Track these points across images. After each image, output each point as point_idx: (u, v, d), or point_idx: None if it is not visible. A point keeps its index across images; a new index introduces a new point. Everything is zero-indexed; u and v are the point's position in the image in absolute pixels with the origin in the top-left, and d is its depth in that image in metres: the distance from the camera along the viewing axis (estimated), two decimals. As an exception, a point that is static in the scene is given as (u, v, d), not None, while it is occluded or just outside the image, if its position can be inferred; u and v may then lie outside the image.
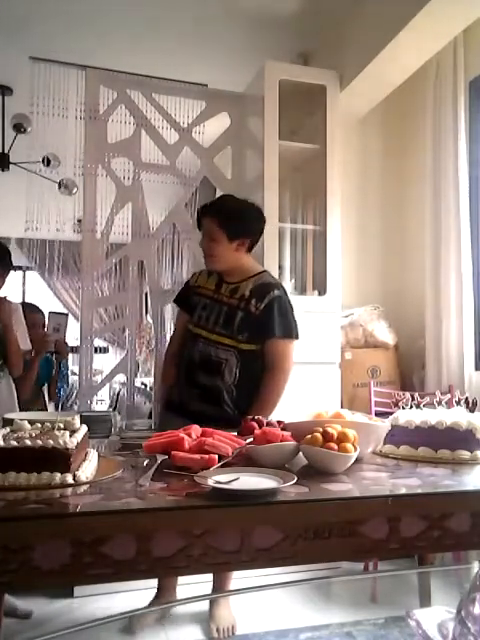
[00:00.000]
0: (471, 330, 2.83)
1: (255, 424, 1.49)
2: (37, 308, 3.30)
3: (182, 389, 2.19)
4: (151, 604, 2.30)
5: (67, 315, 3.06)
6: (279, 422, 1.48)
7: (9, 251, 2.68)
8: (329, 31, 3.19)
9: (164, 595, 2.31)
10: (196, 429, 1.41)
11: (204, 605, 2.34)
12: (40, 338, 3.07)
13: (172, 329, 2.55)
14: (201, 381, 2.12)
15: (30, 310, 3.14)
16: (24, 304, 3.23)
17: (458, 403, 1.53)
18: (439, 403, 1.55)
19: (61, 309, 7.01)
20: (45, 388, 3.27)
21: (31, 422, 1.24)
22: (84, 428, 1.27)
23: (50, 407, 3.20)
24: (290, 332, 2.13)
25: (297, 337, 2.16)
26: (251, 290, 2.11)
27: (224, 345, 2.09)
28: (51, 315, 3.10)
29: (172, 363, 2.30)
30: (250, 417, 1.55)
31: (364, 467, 1.32)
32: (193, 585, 2.32)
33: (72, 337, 3.37)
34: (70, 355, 3.65)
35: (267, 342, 2.10)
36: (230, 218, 2.13)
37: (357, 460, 1.27)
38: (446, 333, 2.88)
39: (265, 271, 2.25)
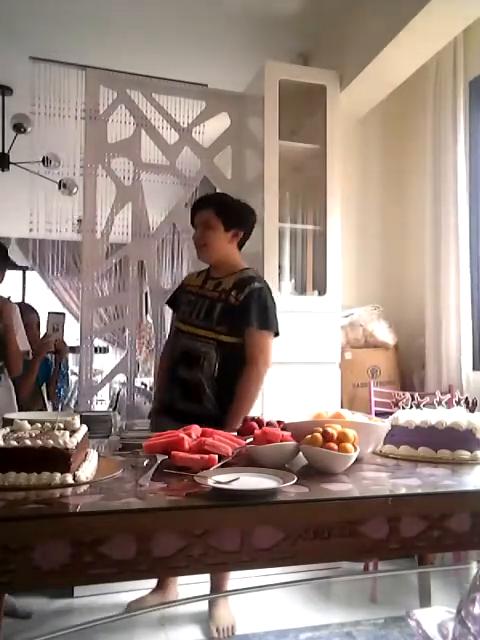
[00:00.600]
0: (469, 330, 2.83)
1: (255, 424, 1.49)
2: (32, 308, 3.30)
3: (168, 388, 2.21)
4: (151, 594, 2.33)
5: (64, 315, 3.06)
6: (279, 422, 1.48)
7: (5, 248, 2.68)
8: (329, 31, 3.19)
9: (164, 586, 2.34)
10: (196, 429, 1.41)
11: (204, 605, 2.34)
12: (36, 339, 3.07)
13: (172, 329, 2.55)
14: (182, 375, 2.12)
15: (25, 311, 3.15)
16: (19, 305, 3.23)
17: (458, 403, 1.53)
18: (439, 403, 1.55)
19: (59, 309, 7.02)
20: (44, 388, 3.27)
21: (31, 422, 1.24)
22: (84, 428, 1.27)
23: (49, 407, 3.20)
24: (268, 324, 2.11)
25: (276, 332, 2.15)
26: (233, 283, 2.13)
27: (204, 338, 2.09)
28: (50, 315, 3.10)
29: (163, 364, 2.34)
30: (250, 417, 1.55)
31: (364, 467, 1.32)
32: (193, 585, 2.33)
33: (72, 337, 3.37)
34: (70, 355, 3.65)
35: (245, 332, 2.08)
36: (227, 208, 2.19)
37: (357, 460, 1.27)
38: (446, 333, 2.88)
39: (250, 268, 2.25)
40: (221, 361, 2.07)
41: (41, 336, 3.16)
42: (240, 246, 2.26)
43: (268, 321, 2.11)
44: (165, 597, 2.33)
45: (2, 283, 2.66)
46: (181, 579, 2.36)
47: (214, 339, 2.08)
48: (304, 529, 1.04)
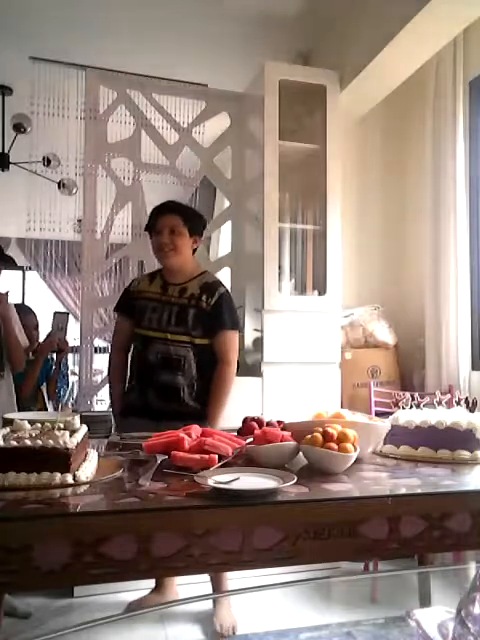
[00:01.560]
0: (468, 330, 2.83)
1: (255, 424, 1.49)
2: (29, 310, 3.30)
3: (142, 391, 2.22)
4: (151, 594, 2.34)
5: (68, 314, 3.07)
6: (279, 422, 1.48)
7: (1, 246, 2.69)
8: (329, 31, 3.19)
9: (163, 586, 2.34)
10: (196, 429, 1.41)
11: (204, 604, 2.34)
12: (34, 341, 3.08)
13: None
14: (161, 379, 2.17)
15: (23, 312, 3.15)
16: (17, 306, 3.23)
17: (458, 403, 1.53)
18: (439, 403, 1.55)
19: (60, 309, 7.02)
20: (43, 387, 3.27)
21: (31, 422, 1.24)
22: (84, 428, 1.26)
23: (50, 407, 3.20)
24: (237, 325, 2.31)
25: (240, 329, 2.36)
26: (200, 287, 2.24)
27: (180, 342, 2.18)
28: (55, 314, 3.11)
29: (121, 365, 2.34)
30: (250, 417, 1.55)
31: (364, 467, 1.32)
32: (194, 585, 2.33)
33: (72, 337, 3.37)
34: (70, 355, 3.65)
35: (219, 334, 2.22)
36: (191, 216, 2.29)
37: (357, 460, 1.27)
38: (446, 333, 2.88)
39: (207, 271, 2.37)
40: (197, 362, 2.19)
41: (41, 336, 3.16)
42: (195, 250, 2.34)
43: (236, 322, 2.31)
44: (165, 597, 2.34)
45: None
46: (181, 579, 2.36)
47: (190, 342, 2.19)
48: (304, 529, 1.03)
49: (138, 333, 2.25)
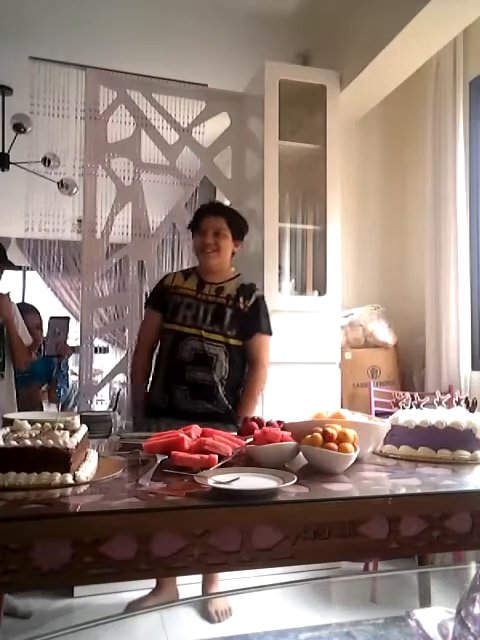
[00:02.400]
0: (468, 330, 2.83)
1: (255, 424, 1.49)
2: (33, 308, 3.31)
3: (167, 389, 2.20)
4: (151, 594, 2.34)
5: (68, 319, 3.05)
6: (279, 422, 1.48)
7: (3, 246, 2.69)
8: (329, 31, 3.19)
9: (163, 586, 2.35)
10: (196, 429, 1.41)
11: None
12: (37, 339, 3.08)
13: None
14: (193, 377, 2.16)
15: (26, 310, 3.15)
16: (20, 305, 3.24)
17: (458, 403, 1.53)
18: (439, 403, 1.55)
19: (60, 309, 7.02)
20: (45, 389, 3.27)
21: (31, 422, 1.24)
22: (84, 428, 1.26)
23: (45, 408, 3.20)
24: (270, 329, 2.32)
25: (272, 334, 2.35)
26: (237, 289, 2.26)
27: (215, 341, 2.19)
28: (51, 320, 3.12)
29: (147, 363, 2.33)
30: (250, 417, 1.55)
31: (364, 467, 1.32)
32: (194, 585, 2.33)
33: (72, 337, 3.37)
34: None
35: (254, 337, 2.25)
36: (236, 219, 2.31)
37: (357, 460, 1.27)
38: (446, 333, 2.88)
39: (241, 274, 2.39)
40: (229, 362, 2.20)
41: (42, 337, 3.17)
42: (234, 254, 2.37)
43: (270, 326, 2.31)
44: (165, 597, 2.34)
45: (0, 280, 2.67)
46: (181, 579, 2.36)
47: (224, 342, 2.20)
48: (304, 529, 1.03)
49: (169, 328, 2.24)
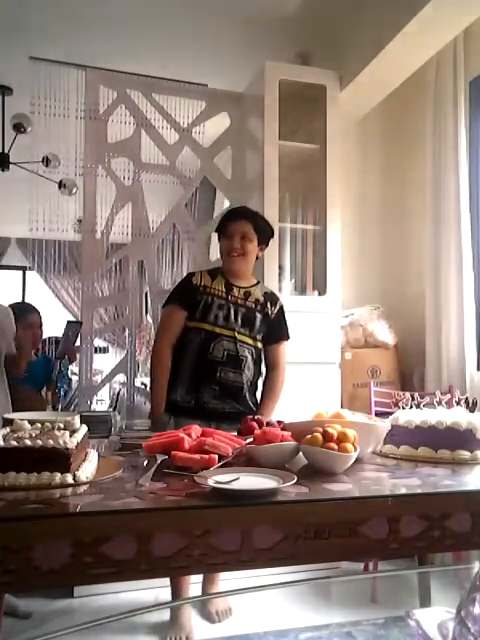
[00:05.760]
0: (472, 330, 2.83)
1: (255, 424, 1.49)
2: (33, 308, 3.31)
3: (195, 388, 2.18)
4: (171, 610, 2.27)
5: (80, 324, 3.01)
6: (279, 422, 1.48)
7: None
8: (329, 31, 3.19)
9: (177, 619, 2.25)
10: (196, 429, 1.41)
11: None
12: (37, 339, 3.08)
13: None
14: (224, 378, 2.20)
15: (27, 311, 3.15)
16: (21, 305, 3.24)
17: (458, 403, 1.53)
18: (439, 403, 1.55)
19: (59, 309, 7.03)
20: (45, 390, 3.27)
21: (31, 422, 1.24)
22: (84, 428, 1.26)
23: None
24: (290, 336, 2.40)
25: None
26: (263, 295, 2.33)
27: (246, 343, 2.25)
28: (68, 324, 3.10)
29: (169, 363, 2.23)
30: (250, 417, 1.56)
31: (364, 467, 1.32)
32: (194, 585, 2.33)
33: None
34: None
35: (279, 343, 2.36)
36: (262, 224, 2.33)
37: (357, 460, 1.27)
38: (446, 333, 2.89)
39: (260, 281, 2.45)
40: (255, 365, 2.29)
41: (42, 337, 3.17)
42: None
43: (289, 333, 2.40)
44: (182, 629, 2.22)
45: None
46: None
47: (253, 345, 2.27)
48: (304, 529, 1.03)
49: (197, 327, 2.21)
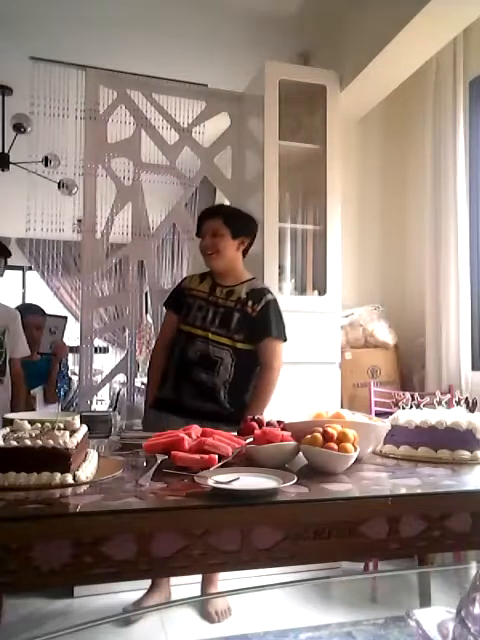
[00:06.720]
0: (468, 330, 2.83)
1: (255, 424, 1.49)
2: (36, 309, 3.31)
3: (176, 386, 2.24)
4: (145, 596, 2.35)
5: (65, 318, 3.06)
6: (279, 422, 1.48)
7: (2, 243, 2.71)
8: (329, 31, 3.19)
9: (158, 588, 2.35)
10: (196, 429, 1.41)
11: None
12: (37, 340, 3.09)
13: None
14: (197, 378, 2.20)
15: (32, 312, 3.16)
16: (27, 306, 3.25)
17: (458, 403, 1.53)
18: (439, 403, 1.55)
19: (60, 309, 7.02)
20: (39, 390, 3.26)
21: (31, 422, 1.24)
22: (84, 428, 1.26)
23: (43, 408, 3.20)
24: (282, 334, 2.29)
25: (286, 339, 2.31)
26: (247, 293, 2.26)
27: (221, 344, 2.21)
28: (48, 318, 3.12)
29: (163, 361, 2.34)
30: (250, 417, 1.55)
31: (364, 467, 1.32)
32: (193, 585, 2.33)
33: (72, 337, 3.37)
34: (70, 355, 3.65)
35: (263, 341, 2.24)
36: (233, 217, 2.31)
37: (357, 460, 1.27)
38: (446, 333, 2.89)
39: (255, 277, 2.39)
40: (235, 366, 2.20)
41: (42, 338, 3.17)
42: (245, 252, 2.36)
43: (282, 331, 2.29)
44: (161, 597, 2.34)
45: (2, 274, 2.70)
46: (180, 579, 2.36)
47: (231, 346, 2.21)
48: (304, 529, 1.03)
49: (182, 329, 2.28)
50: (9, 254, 2.77)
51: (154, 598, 2.33)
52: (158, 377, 2.32)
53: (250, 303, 2.24)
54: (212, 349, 2.19)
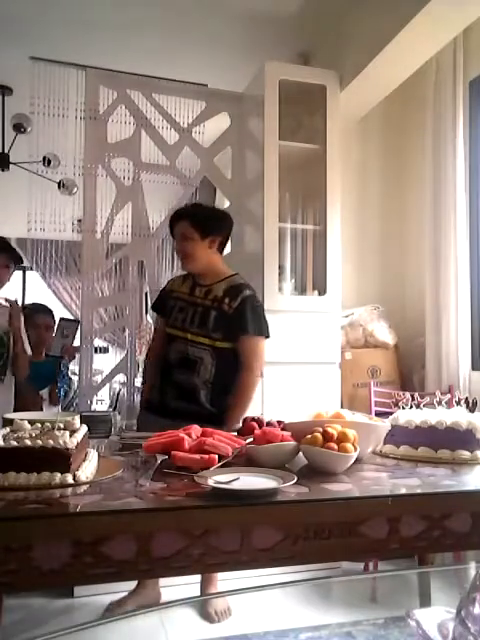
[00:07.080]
0: (468, 330, 2.83)
1: (255, 424, 1.49)
2: (44, 309, 3.31)
3: (161, 388, 2.26)
4: (132, 595, 2.35)
5: (78, 322, 3.05)
6: (279, 422, 1.48)
7: (10, 245, 2.70)
8: (329, 31, 3.19)
9: (144, 586, 2.35)
10: (196, 429, 1.41)
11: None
12: (45, 340, 3.09)
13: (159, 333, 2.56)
14: (178, 379, 2.20)
15: (36, 311, 3.16)
16: (34, 305, 3.25)
17: (458, 403, 1.53)
18: (439, 403, 1.55)
19: (59, 309, 7.02)
20: (46, 391, 3.26)
21: (31, 422, 1.24)
22: (84, 428, 1.27)
23: (45, 409, 3.20)
24: (261, 330, 2.23)
25: (268, 336, 2.26)
26: (224, 290, 2.21)
27: (200, 344, 2.19)
28: (62, 321, 3.13)
29: (155, 364, 2.36)
30: (250, 417, 1.55)
31: (364, 467, 1.32)
32: (193, 585, 2.32)
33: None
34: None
35: (240, 339, 2.19)
36: (201, 217, 2.26)
37: (357, 460, 1.27)
38: (446, 333, 2.89)
39: (237, 274, 2.33)
40: (216, 365, 2.17)
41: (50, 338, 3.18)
42: (220, 251, 2.34)
43: (261, 327, 2.23)
44: (146, 598, 2.32)
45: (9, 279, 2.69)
46: (180, 579, 2.35)
47: (210, 345, 2.18)
48: (304, 529, 1.03)
49: (168, 332, 2.29)
50: (21, 261, 2.77)
51: (139, 599, 2.31)
52: (151, 378, 2.35)
53: (227, 300, 2.18)
54: (191, 350, 2.18)
